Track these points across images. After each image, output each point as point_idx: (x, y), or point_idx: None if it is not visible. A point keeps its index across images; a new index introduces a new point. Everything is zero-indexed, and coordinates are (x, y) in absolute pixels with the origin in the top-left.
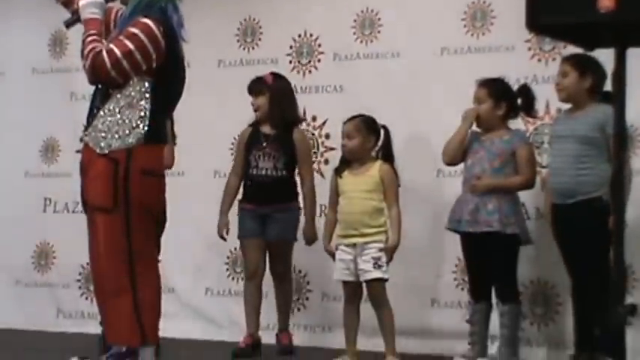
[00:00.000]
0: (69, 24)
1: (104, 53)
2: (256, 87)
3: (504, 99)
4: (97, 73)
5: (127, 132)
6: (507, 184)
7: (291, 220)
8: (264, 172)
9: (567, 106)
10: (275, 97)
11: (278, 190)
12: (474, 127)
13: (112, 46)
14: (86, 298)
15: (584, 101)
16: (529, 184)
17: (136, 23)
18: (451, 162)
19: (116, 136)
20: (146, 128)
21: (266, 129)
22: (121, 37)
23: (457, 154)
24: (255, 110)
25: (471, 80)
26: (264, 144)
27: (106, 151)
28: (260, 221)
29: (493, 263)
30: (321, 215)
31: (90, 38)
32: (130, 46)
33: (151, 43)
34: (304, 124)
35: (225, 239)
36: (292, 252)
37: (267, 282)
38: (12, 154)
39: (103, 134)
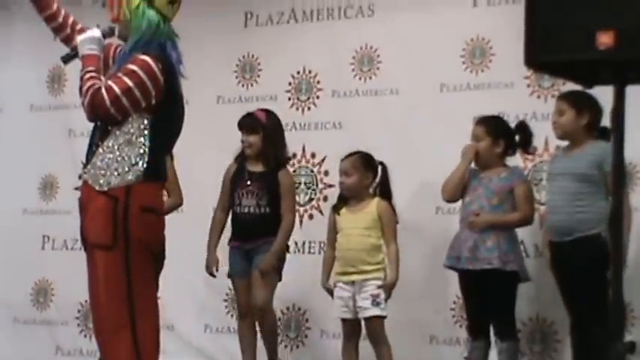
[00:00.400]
0: (66, 60)
1: (103, 90)
2: (249, 124)
3: (502, 136)
4: (96, 110)
5: (126, 169)
6: (506, 221)
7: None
8: (246, 209)
9: (565, 142)
10: (270, 135)
11: (262, 226)
12: (472, 165)
13: (110, 83)
14: (85, 336)
15: (581, 138)
16: (527, 221)
17: (134, 60)
18: (451, 199)
19: (115, 173)
20: (145, 165)
21: (252, 166)
22: (120, 75)
23: (457, 191)
24: (247, 147)
25: (470, 117)
26: (248, 182)
27: (105, 189)
28: (247, 257)
29: (492, 300)
30: (319, 252)
31: (88, 75)
32: (129, 83)
33: (150, 80)
34: (304, 160)
35: (214, 276)
36: (273, 285)
37: None
38: (10, 191)
39: (102, 171)
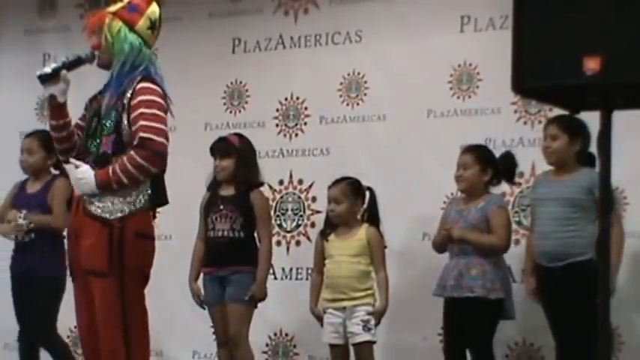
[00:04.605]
0: (44, 79)
1: (149, 137)
2: (223, 148)
3: (490, 165)
4: (162, 156)
5: (134, 196)
6: (480, 241)
7: (246, 283)
8: (220, 233)
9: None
10: (243, 159)
11: (235, 252)
12: (458, 194)
13: (143, 122)
14: None
15: (572, 164)
16: (502, 246)
17: (144, 90)
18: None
19: (122, 199)
20: (147, 193)
21: (224, 191)
22: (144, 110)
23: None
24: (219, 172)
25: (457, 143)
26: (221, 206)
27: (108, 217)
28: (220, 284)
29: (471, 327)
30: (307, 278)
31: (117, 171)
32: (158, 112)
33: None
34: (291, 186)
35: (203, 307)
36: (248, 316)
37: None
38: None
39: (97, 198)
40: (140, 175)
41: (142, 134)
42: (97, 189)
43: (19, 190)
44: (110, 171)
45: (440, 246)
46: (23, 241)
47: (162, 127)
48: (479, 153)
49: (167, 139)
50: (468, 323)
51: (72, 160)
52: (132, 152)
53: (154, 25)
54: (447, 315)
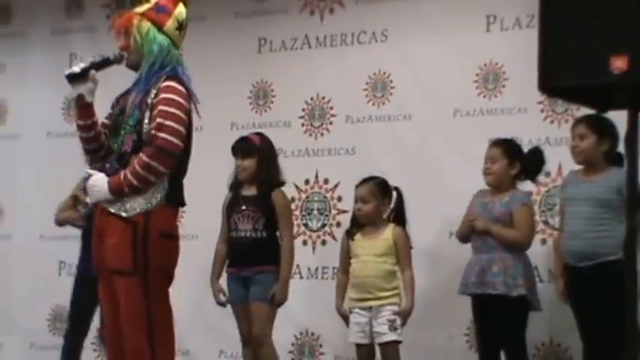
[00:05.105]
0: (71, 79)
1: (161, 137)
2: (244, 148)
3: (518, 159)
4: (172, 155)
5: (151, 194)
6: (502, 234)
7: (270, 283)
8: (243, 234)
9: (579, 167)
10: (264, 158)
11: (258, 252)
12: (482, 187)
13: (161, 120)
14: None
15: (600, 164)
16: (524, 243)
17: (167, 89)
18: (464, 242)
19: (140, 199)
20: (167, 189)
21: (246, 191)
22: (164, 107)
23: (467, 237)
24: (240, 172)
25: (483, 142)
26: (243, 206)
27: (132, 214)
28: (244, 284)
29: (500, 328)
30: (332, 277)
31: (128, 176)
32: (176, 112)
33: (186, 103)
34: (316, 186)
35: (224, 305)
36: (272, 315)
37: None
38: (28, 217)
39: (128, 197)
40: (149, 175)
41: (153, 131)
42: (111, 195)
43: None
44: (122, 175)
45: (463, 236)
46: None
47: (177, 126)
48: (507, 146)
49: (181, 139)
50: (496, 323)
51: (86, 169)
52: (141, 152)
53: (181, 26)
54: (476, 315)
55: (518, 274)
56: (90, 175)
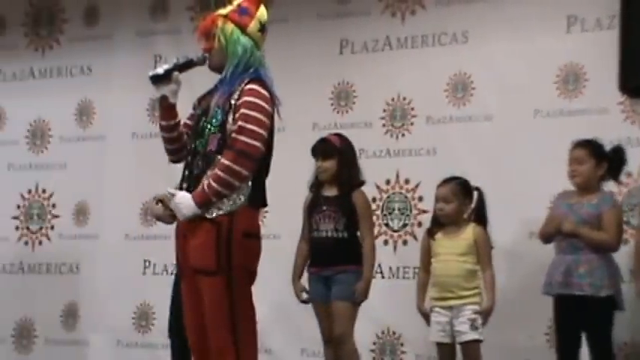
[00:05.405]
0: (155, 80)
1: (241, 140)
2: (325, 149)
3: (604, 159)
4: (254, 159)
5: (235, 195)
6: (591, 236)
7: (351, 282)
8: (324, 234)
9: None
10: (344, 159)
11: (339, 252)
12: (562, 188)
13: (242, 123)
14: None
15: None
16: (613, 245)
17: (250, 92)
18: (546, 243)
19: (225, 200)
20: (250, 190)
21: (326, 192)
22: (246, 111)
23: (551, 237)
24: (321, 172)
25: (564, 143)
26: (324, 207)
27: (214, 215)
28: (325, 283)
29: (586, 329)
30: (414, 277)
31: (214, 185)
32: (259, 116)
33: (269, 107)
34: (397, 186)
35: (306, 302)
36: (353, 314)
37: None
38: (113, 217)
39: None
40: (232, 179)
41: (234, 135)
42: (198, 209)
43: None
44: (205, 186)
45: (548, 237)
46: None
47: (259, 130)
48: (592, 147)
49: (262, 142)
50: (580, 324)
51: (168, 189)
52: (222, 156)
53: (263, 28)
54: (559, 314)
55: (604, 275)
56: (173, 195)
